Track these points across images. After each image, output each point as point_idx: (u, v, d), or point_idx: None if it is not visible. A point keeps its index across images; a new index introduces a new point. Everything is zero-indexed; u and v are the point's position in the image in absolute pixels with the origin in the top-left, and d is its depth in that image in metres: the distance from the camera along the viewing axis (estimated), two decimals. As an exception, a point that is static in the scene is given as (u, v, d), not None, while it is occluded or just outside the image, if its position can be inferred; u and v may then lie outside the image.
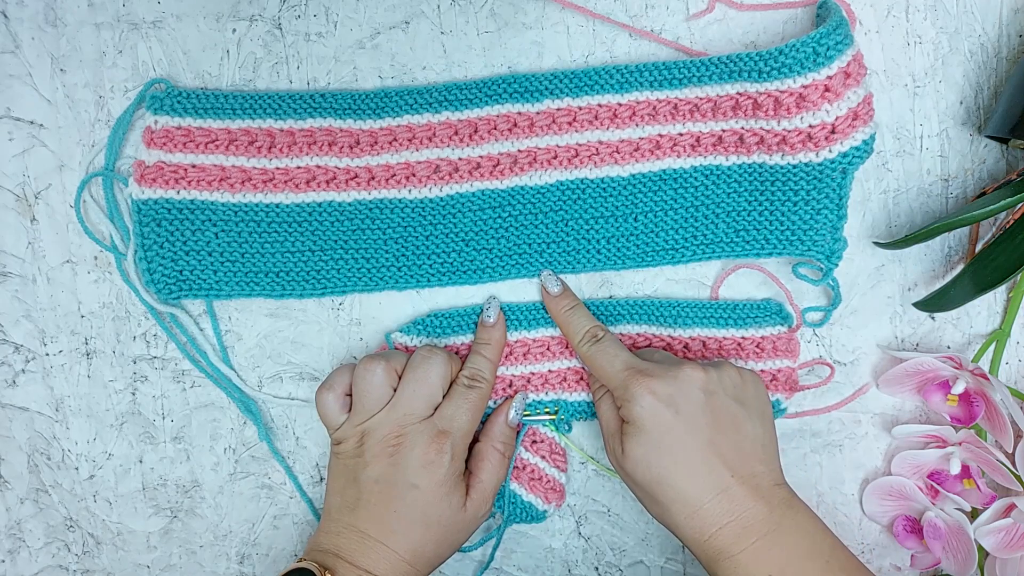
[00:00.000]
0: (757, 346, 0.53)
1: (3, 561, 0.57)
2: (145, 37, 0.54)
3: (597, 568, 0.57)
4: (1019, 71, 0.50)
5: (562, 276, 0.54)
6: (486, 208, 0.53)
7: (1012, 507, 0.51)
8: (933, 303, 0.51)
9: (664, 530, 0.56)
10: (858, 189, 0.54)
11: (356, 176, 0.53)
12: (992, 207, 0.47)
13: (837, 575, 0.44)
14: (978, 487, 0.51)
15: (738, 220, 0.53)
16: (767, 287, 0.54)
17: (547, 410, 0.54)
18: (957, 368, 0.52)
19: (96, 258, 0.55)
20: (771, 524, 0.45)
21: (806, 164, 0.50)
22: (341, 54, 0.54)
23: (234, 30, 0.54)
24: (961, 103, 0.54)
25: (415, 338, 0.53)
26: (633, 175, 0.53)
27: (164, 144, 0.52)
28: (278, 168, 0.53)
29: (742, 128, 0.51)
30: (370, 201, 0.53)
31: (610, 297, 0.55)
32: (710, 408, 0.46)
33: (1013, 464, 0.52)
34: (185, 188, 0.52)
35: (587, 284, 0.55)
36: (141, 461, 0.56)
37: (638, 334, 0.54)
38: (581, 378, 0.54)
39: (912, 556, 0.54)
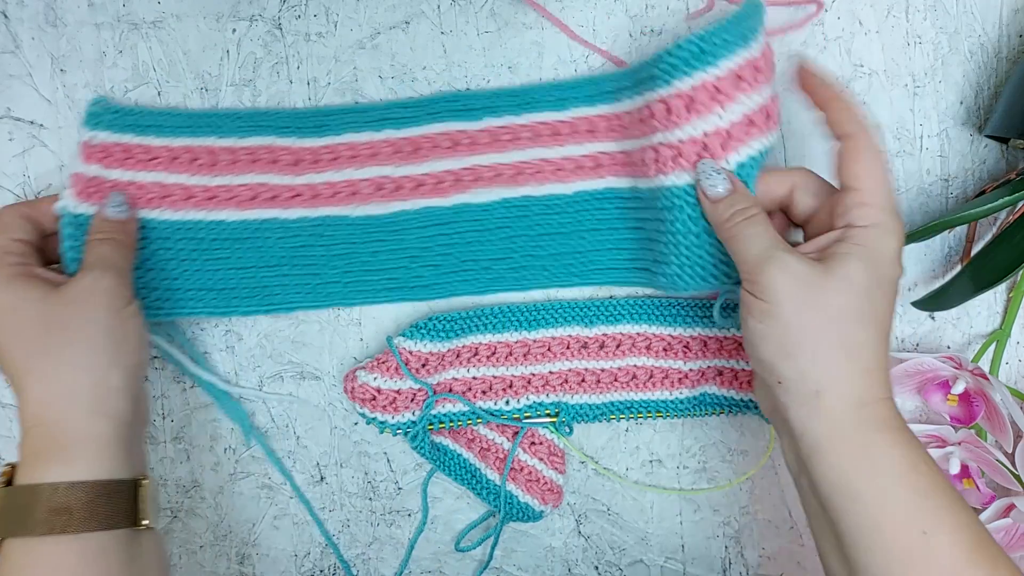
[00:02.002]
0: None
1: (4, 561, 0.57)
2: (145, 37, 0.54)
3: (597, 567, 0.57)
4: (1019, 71, 0.50)
5: (509, 294, 0.54)
6: (431, 225, 0.53)
7: (1011, 507, 0.51)
8: (932, 302, 0.51)
9: (664, 529, 0.56)
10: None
11: (299, 194, 0.53)
12: (991, 205, 0.47)
13: (958, 508, 0.39)
14: (978, 487, 0.51)
15: (685, 241, 0.47)
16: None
17: (548, 412, 0.54)
18: (957, 368, 0.52)
19: (96, 258, 0.55)
20: (907, 433, 0.40)
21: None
22: (341, 54, 0.54)
23: (234, 30, 0.54)
24: (961, 103, 0.54)
25: (418, 342, 0.52)
26: (577, 192, 0.52)
27: (103, 159, 0.51)
28: (220, 185, 0.52)
29: (643, 146, 0.48)
30: (315, 218, 0.53)
31: (610, 297, 0.55)
32: (875, 296, 0.41)
33: (1013, 464, 0.52)
34: None
35: (587, 284, 0.55)
36: (141, 461, 0.56)
37: (638, 334, 0.54)
38: (583, 380, 0.54)
39: (912, 556, 0.54)
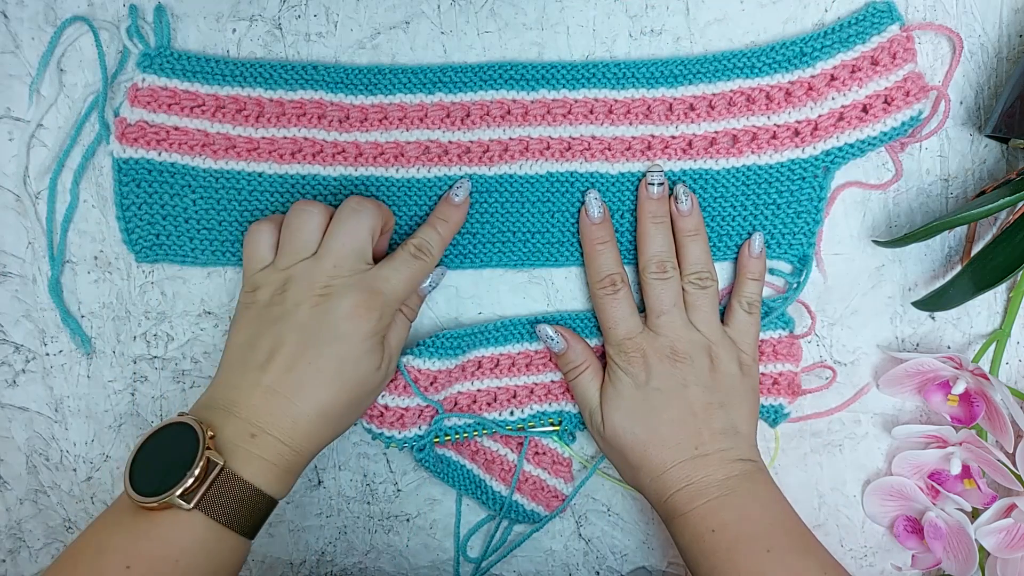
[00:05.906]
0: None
1: (3, 561, 0.57)
2: (145, 37, 0.54)
3: (598, 572, 0.56)
4: (1019, 71, 0.50)
5: (541, 271, 0.54)
6: (473, 193, 0.53)
7: (1013, 507, 0.51)
8: (932, 302, 0.51)
9: (666, 533, 0.56)
10: (858, 189, 0.54)
11: (344, 151, 0.53)
12: (991, 205, 0.47)
13: (780, 538, 0.46)
14: (978, 487, 0.51)
15: (722, 224, 0.53)
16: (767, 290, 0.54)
17: (551, 421, 0.54)
18: (957, 368, 0.52)
19: (96, 258, 0.55)
20: (724, 490, 0.47)
21: (792, 161, 0.51)
22: (341, 54, 0.54)
23: (234, 30, 0.54)
24: (961, 103, 0.54)
25: (427, 360, 0.52)
26: (622, 173, 0.53)
27: (148, 103, 0.52)
28: (264, 137, 0.52)
29: (734, 129, 0.52)
30: (356, 177, 0.53)
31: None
32: (688, 391, 0.49)
33: (1013, 464, 0.52)
34: (166, 150, 0.52)
35: (587, 284, 0.55)
36: (140, 462, 0.56)
37: None
38: None
39: (913, 556, 0.54)
